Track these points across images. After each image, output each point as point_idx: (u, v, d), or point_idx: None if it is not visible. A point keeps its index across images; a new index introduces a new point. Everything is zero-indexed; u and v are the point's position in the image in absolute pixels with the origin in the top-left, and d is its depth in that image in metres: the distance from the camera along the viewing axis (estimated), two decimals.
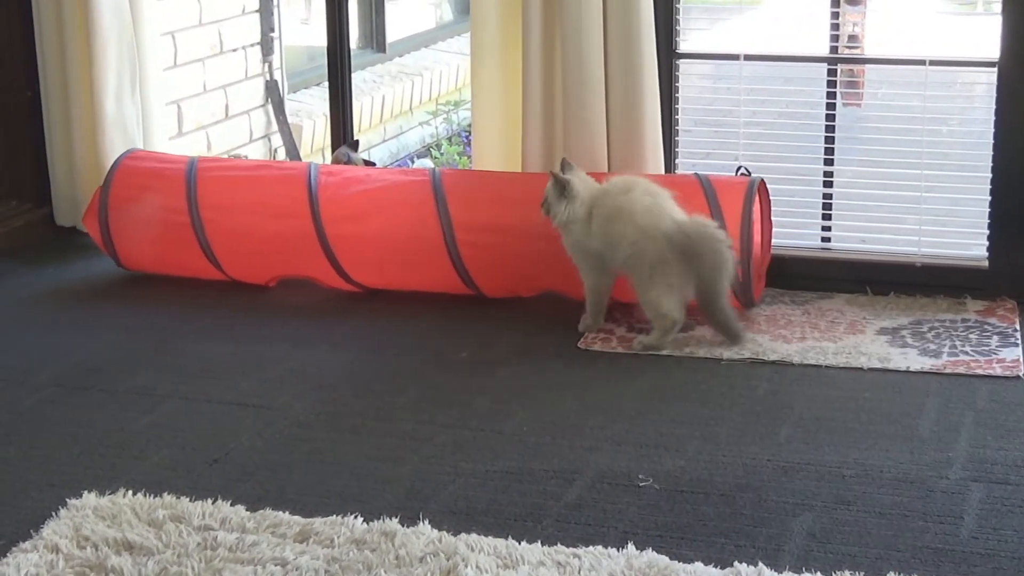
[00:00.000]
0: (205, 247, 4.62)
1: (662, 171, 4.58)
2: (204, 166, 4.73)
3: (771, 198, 4.47)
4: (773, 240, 4.54)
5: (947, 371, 3.89)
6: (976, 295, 4.43)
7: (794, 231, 4.68)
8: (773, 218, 4.50)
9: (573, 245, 4.15)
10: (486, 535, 2.93)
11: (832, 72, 4.57)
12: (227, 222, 4.62)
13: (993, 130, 4.40)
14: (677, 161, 4.72)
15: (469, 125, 7.03)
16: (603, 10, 4.45)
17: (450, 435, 3.51)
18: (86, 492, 3.13)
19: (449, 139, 7.62)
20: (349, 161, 5.05)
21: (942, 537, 2.96)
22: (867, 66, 4.90)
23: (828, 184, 4.64)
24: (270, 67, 6.37)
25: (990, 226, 4.46)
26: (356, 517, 3.01)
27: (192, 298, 4.60)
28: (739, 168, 4.46)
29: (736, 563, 2.82)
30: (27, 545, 2.91)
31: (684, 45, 4.68)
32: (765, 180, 4.41)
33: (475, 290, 4.48)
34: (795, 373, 3.91)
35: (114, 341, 4.26)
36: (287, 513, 3.03)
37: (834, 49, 4.58)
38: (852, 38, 4.81)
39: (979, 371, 3.87)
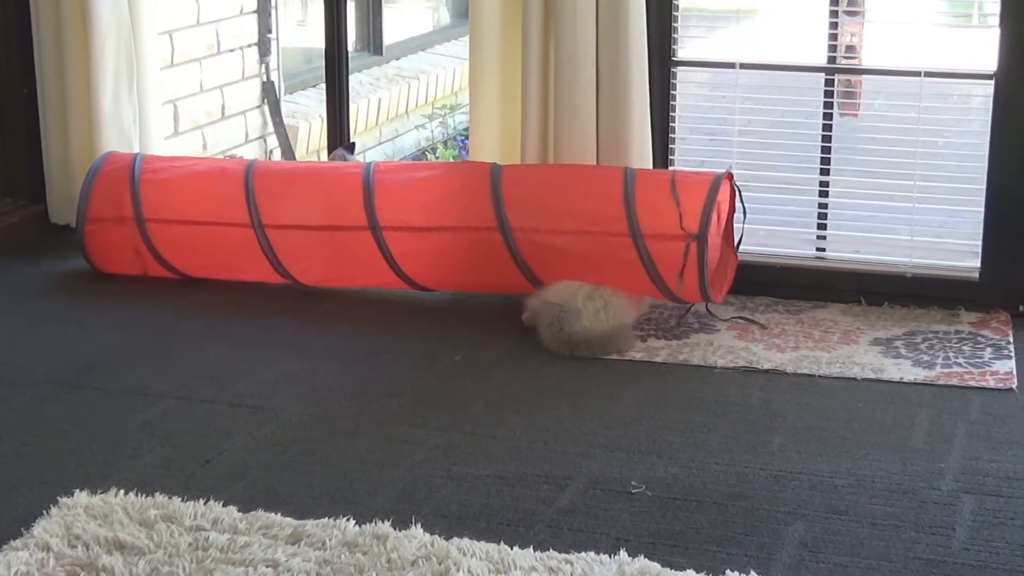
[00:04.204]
0: (172, 269, 4.70)
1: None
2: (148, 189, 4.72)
3: (765, 206, 4.45)
4: (766, 249, 4.53)
5: (940, 382, 3.89)
6: (970, 307, 4.44)
7: (789, 240, 4.68)
8: (768, 228, 4.50)
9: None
10: (478, 539, 2.93)
11: (829, 82, 4.58)
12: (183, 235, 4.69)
13: (989, 142, 4.40)
14: (672, 169, 4.72)
15: (465, 129, 7.05)
16: (595, 20, 4.46)
17: (443, 439, 3.51)
18: (78, 491, 3.12)
19: (445, 143, 7.63)
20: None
21: (933, 548, 2.96)
22: (864, 76, 4.90)
23: (824, 194, 4.64)
24: (267, 68, 6.37)
25: (984, 238, 4.47)
26: (348, 520, 3.00)
27: (187, 298, 4.59)
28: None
29: (728, 571, 2.83)
30: (18, 543, 2.90)
31: (681, 53, 4.68)
32: (733, 174, 4.39)
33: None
34: (788, 382, 3.92)
35: (109, 340, 4.25)
36: (279, 515, 3.03)
37: (832, 59, 4.59)
38: (850, 48, 4.82)
39: (972, 383, 3.88)
